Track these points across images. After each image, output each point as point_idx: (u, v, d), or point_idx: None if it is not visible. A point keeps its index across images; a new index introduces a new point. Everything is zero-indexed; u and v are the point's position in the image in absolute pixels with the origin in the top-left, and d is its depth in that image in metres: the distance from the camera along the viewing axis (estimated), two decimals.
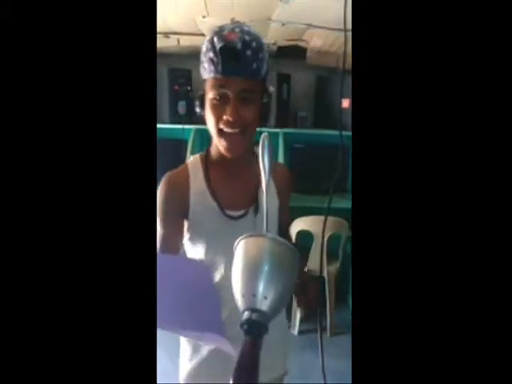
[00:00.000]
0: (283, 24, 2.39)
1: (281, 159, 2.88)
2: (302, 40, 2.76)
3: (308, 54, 2.90)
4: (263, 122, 0.94)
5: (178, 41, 2.79)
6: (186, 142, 2.93)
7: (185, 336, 0.82)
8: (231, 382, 0.52)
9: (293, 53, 2.89)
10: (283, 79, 2.94)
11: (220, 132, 0.90)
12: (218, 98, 0.87)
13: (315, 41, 2.69)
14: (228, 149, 0.91)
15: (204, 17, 2.31)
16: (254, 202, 0.99)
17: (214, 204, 0.96)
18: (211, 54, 0.85)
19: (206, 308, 0.60)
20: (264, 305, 0.58)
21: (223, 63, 0.84)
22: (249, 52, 0.84)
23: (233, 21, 2.21)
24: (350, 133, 0.58)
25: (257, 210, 0.97)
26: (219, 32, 0.85)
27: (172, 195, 0.96)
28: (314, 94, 3.18)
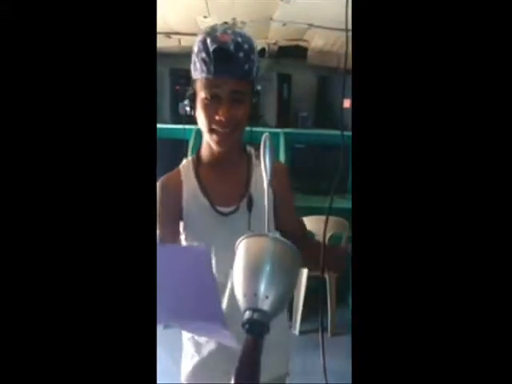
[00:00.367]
0: (284, 24, 2.39)
1: (282, 159, 2.88)
2: (303, 40, 2.76)
3: (309, 53, 2.90)
4: (253, 121, 0.97)
5: (180, 41, 2.79)
6: (187, 142, 2.93)
7: (186, 329, 0.81)
8: (233, 381, 0.52)
9: (294, 53, 2.89)
10: (284, 79, 2.94)
11: (211, 130, 0.92)
12: (209, 97, 0.89)
13: (316, 41, 2.68)
14: (218, 143, 0.94)
15: (205, 17, 2.31)
16: (243, 197, 1.00)
17: (205, 201, 0.98)
18: (203, 55, 0.86)
19: (205, 295, 0.60)
20: (265, 304, 0.59)
21: (216, 64, 0.86)
22: (241, 54, 0.86)
23: (233, 22, 2.22)
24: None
25: (249, 205, 0.98)
26: (212, 33, 0.86)
27: (167, 198, 0.99)
28: (315, 94, 3.18)
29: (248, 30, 0.92)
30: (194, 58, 0.90)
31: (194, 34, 2.67)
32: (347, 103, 2.48)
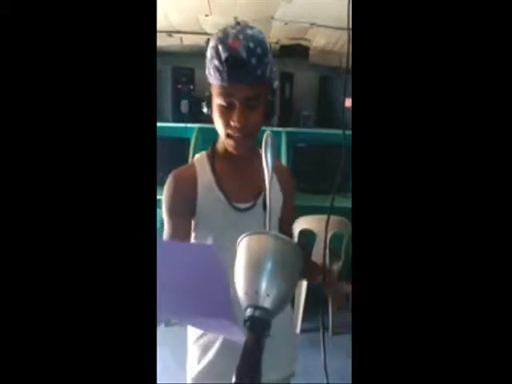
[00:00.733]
0: (286, 23, 2.39)
1: (283, 159, 2.88)
2: (305, 39, 2.75)
3: (311, 52, 2.90)
4: (268, 119, 0.96)
5: (181, 39, 2.79)
6: (188, 140, 2.93)
7: (194, 325, 0.81)
8: (233, 378, 0.52)
9: (296, 52, 2.89)
10: (286, 78, 2.93)
11: (228, 135, 0.93)
12: (224, 105, 0.89)
13: (318, 40, 2.68)
14: (235, 148, 0.95)
15: (207, 15, 2.31)
16: (260, 194, 1.00)
17: (222, 196, 0.97)
18: (216, 63, 0.86)
19: (214, 291, 0.60)
20: (267, 302, 0.59)
21: (228, 72, 0.85)
22: (254, 60, 0.85)
23: (236, 21, 2.21)
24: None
25: (265, 202, 0.97)
26: (223, 40, 0.85)
27: (179, 192, 0.98)
28: (317, 94, 3.18)
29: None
30: (207, 63, 0.89)
31: (196, 33, 2.68)
32: (349, 102, 2.48)
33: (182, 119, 2.88)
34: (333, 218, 2.50)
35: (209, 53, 0.88)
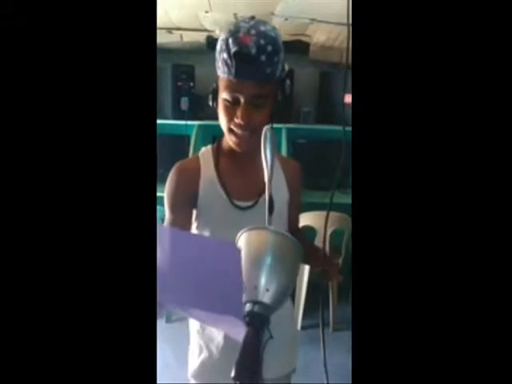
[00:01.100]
0: (286, 19, 2.38)
1: (283, 155, 2.87)
2: (305, 35, 2.74)
3: (311, 48, 2.89)
4: (276, 120, 0.94)
5: (181, 36, 2.78)
6: (188, 137, 2.93)
7: (199, 319, 0.81)
8: (233, 373, 0.53)
9: (296, 48, 2.87)
10: (286, 74, 2.92)
11: (230, 130, 0.91)
12: (230, 100, 0.88)
13: (318, 36, 2.67)
14: (237, 145, 0.94)
15: (207, 12, 2.30)
16: (263, 193, 0.99)
17: (223, 193, 0.97)
18: (225, 56, 0.84)
19: (228, 288, 0.60)
20: (266, 297, 0.59)
21: (237, 67, 0.83)
22: (263, 57, 0.83)
23: (236, 17, 2.20)
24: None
25: (271, 205, 0.97)
26: (234, 33, 0.83)
27: (182, 183, 0.98)
28: (317, 90, 3.17)
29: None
30: (217, 55, 0.88)
31: (196, 30, 2.67)
32: (349, 98, 2.48)
33: (182, 116, 2.87)
34: (333, 214, 2.50)
35: (219, 45, 0.87)
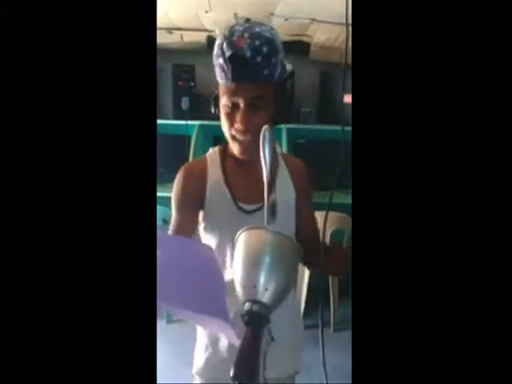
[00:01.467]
0: (286, 19, 2.38)
1: None
2: (306, 35, 2.74)
3: (312, 49, 2.89)
4: (277, 123, 0.93)
5: (182, 36, 2.78)
6: (189, 137, 2.93)
7: (191, 319, 0.81)
8: (232, 373, 0.53)
9: (296, 48, 2.87)
10: (289, 75, 2.92)
11: (233, 137, 0.91)
12: (229, 105, 0.87)
13: (319, 36, 2.67)
14: (241, 153, 0.93)
15: (207, 12, 2.31)
16: (269, 196, 0.99)
17: (229, 196, 0.96)
18: (221, 61, 0.84)
19: (212, 292, 0.60)
20: (265, 296, 0.59)
21: (233, 71, 0.83)
22: (259, 59, 0.82)
23: (236, 17, 2.20)
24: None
25: (273, 209, 0.96)
26: (229, 37, 0.83)
27: (189, 184, 0.98)
28: (317, 90, 3.16)
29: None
30: (214, 61, 0.88)
31: (196, 30, 2.67)
32: (348, 98, 2.47)
33: (183, 116, 2.87)
34: (334, 214, 2.50)
35: (215, 51, 0.86)
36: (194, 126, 2.91)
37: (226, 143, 1.01)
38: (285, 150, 2.91)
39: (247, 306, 0.59)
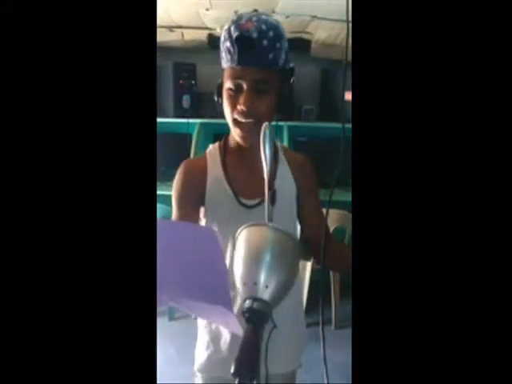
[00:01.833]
0: (287, 16, 2.38)
1: None
2: (307, 32, 2.74)
3: (313, 46, 2.88)
4: (283, 114, 0.94)
5: (183, 34, 2.78)
6: (190, 135, 2.93)
7: (191, 310, 0.82)
8: (232, 369, 0.53)
9: (297, 45, 2.87)
10: (291, 69, 2.91)
11: (235, 121, 0.91)
12: (233, 88, 0.88)
13: (320, 33, 2.67)
14: (242, 137, 0.93)
15: (207, 10, 2.30)
16: (269, 191, 0.98)
17: (229, 191, 0.97)
18: (228, 44, 0.86)
19: (211, 275, 0.59)
20: (265, 294, 0.59)
21: (239, 53, 0.84)
22: (265, 42, 0.84)
23: (236, 13, 2.20)
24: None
25: (273, 200, 0.95)
26: (237, 21, 0.85)
27: (189, 181, 0.99)
28: (318, 87, 3.16)
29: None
30: (220, 47, 0.89)
31: (197, 28, 2.67)
32: (349, 96, 2.47)
33: (184, 114, 2.87)
34: (335, 211, 2.50)
35: (222, 35, 0.88)
36: (195, 124, 2.91)
37: (227, 136, 1.02)
38: None
39: (248, 303, 0.59)
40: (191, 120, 2.89)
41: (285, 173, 1.02)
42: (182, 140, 3.00)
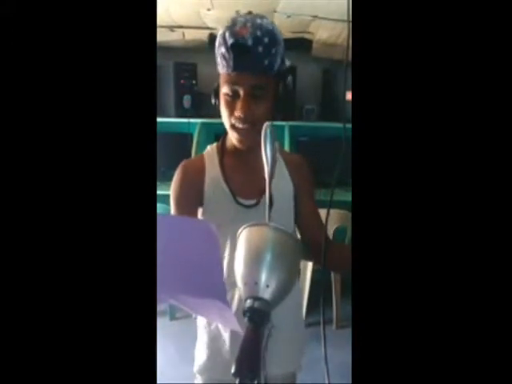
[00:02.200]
0: (288, 16, 2.38)
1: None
2: (308, 32, 2.74)
3: (314, 45, 2.88)
4: (277, 115, 0.94)
5: (183, 34, 2.78)
6: (191, 135, 2.93)
7: (188, 307, 0.82)
8: (233, 369, 0.53)
9: (298, 45, 2.87)
10: (289, 72, 2.92)
11: (232, 126, 0.92)
12: (230, 94, 0.89)
13: (321, 33, 2.67)
14: (239, 141, 0.94)
15: (209, 9, 2.30)
16: (265, 191, 0.98)
17: (227, 191, 0.97)
18: (223, 50, 0.86)
19: (207, 267, 0.59)
20: (266, 293, 0.59)
21: (234, 59, 0.85)
22: (260, 48, 0.84)
23: (238, 13, 2.20)
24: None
25: (270, 200, 0.95)
26: (231, 27, 0.85)
27: (187, 182, 0.99)
28: (320, 87, 3.16)
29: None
30: (216, 52, 0.90)
31: (198, 28, 2.67)
32: (350, 95, 2.46)
33: (185, 114, 2.87)
34: (335, 211, 2.50)
35: (217, 41, 0.88)
36: (196, 124, 2.92)
37: (224, 136, 1.02)
38: (287, 147, 2.91)
39: (249, 302, 0.59)
40: (192, 120, 2.89)
41: (282, 174, 1.03)
42: (182, 140, 3.00)
